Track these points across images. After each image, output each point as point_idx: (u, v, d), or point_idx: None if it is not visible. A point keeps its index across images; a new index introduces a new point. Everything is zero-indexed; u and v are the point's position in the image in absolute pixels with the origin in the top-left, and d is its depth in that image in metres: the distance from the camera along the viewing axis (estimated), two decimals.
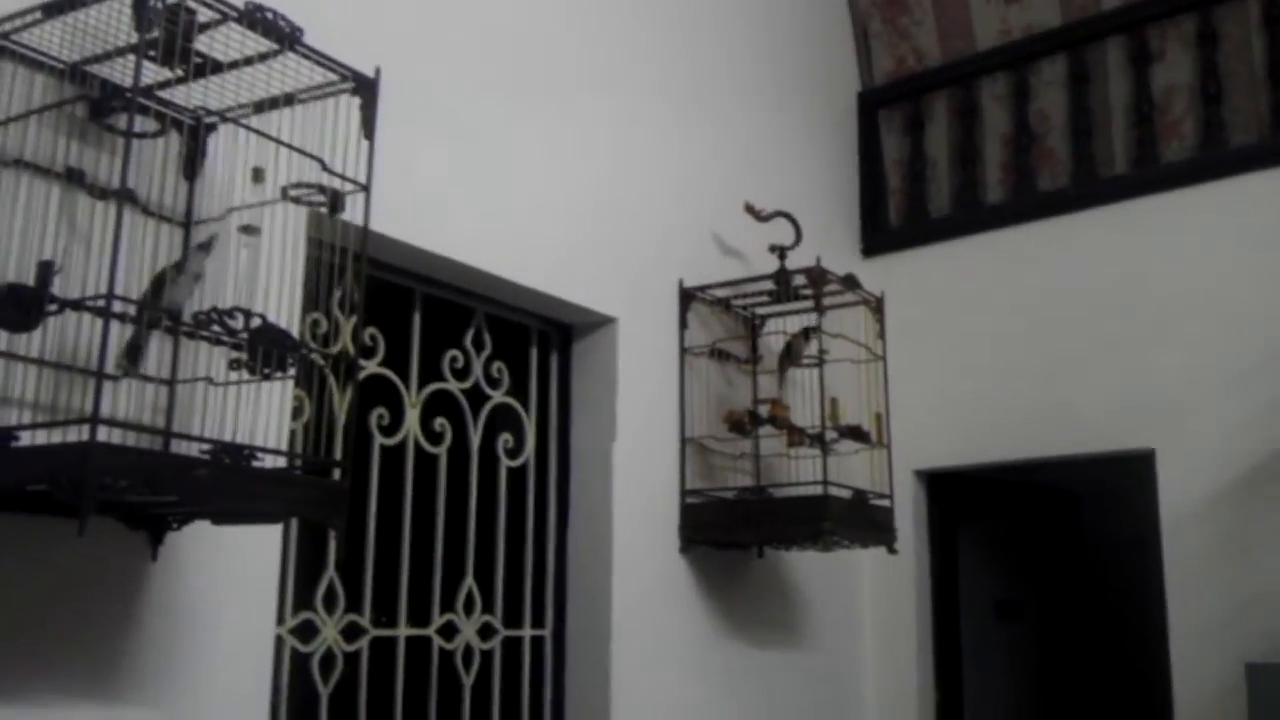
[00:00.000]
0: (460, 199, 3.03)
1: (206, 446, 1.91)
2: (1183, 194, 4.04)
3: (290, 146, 2.16)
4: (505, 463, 3.30)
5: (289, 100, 2.18)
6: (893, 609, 4.41)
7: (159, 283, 2.08)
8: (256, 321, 2.01)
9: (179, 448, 1.99)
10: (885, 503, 3.65)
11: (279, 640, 2.59)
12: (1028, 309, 4.28)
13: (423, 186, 2.92)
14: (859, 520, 3.55)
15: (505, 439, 3.31)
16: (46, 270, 1.85)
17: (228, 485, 1.88)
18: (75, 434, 1.80)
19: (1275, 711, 2.99)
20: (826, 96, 4.74)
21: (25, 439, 1.86)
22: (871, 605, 4.43)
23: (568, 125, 3.41)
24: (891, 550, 3.68)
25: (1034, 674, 5.03)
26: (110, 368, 1.95)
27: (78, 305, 1.85)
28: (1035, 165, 4.47)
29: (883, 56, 4.87)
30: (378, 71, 2.21)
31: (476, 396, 3.24)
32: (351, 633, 2.81)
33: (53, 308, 1.86)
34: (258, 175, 2.24)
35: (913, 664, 4.36)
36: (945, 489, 4.58)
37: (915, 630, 4.39)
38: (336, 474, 2.14)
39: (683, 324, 3.71)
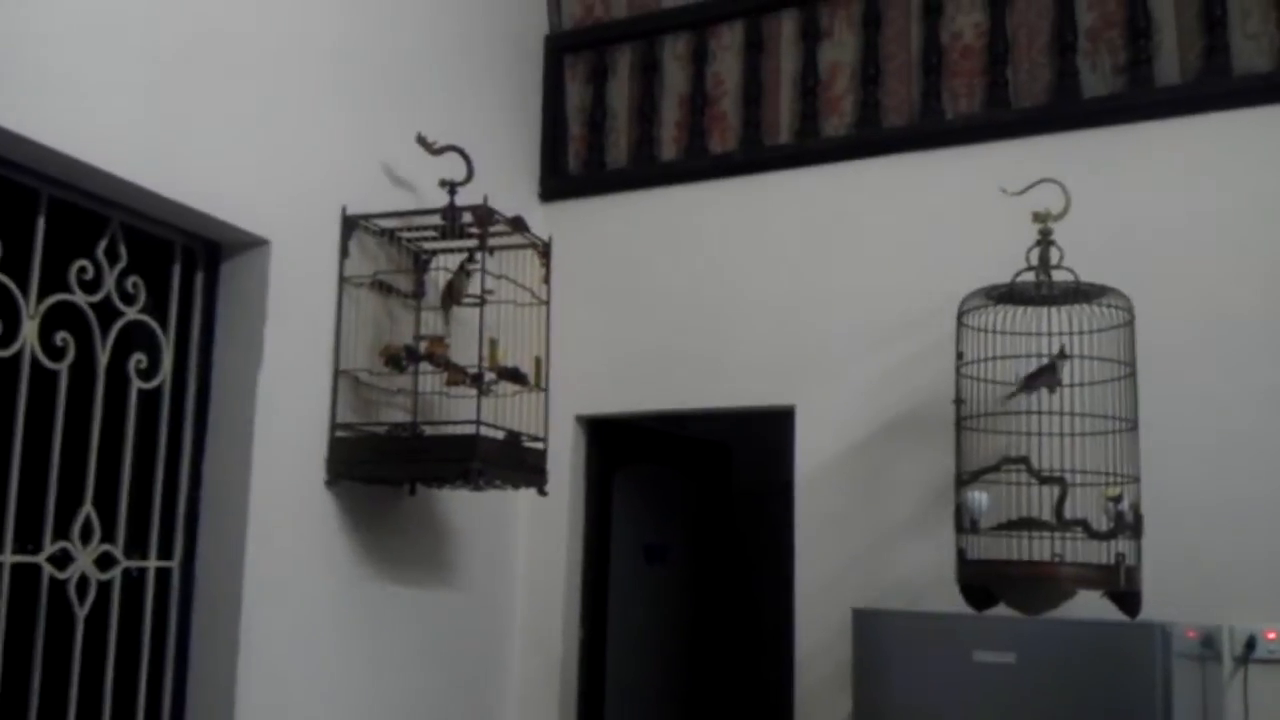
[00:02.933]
0: (99, 98, 2.80)
1: None
2: (838, 167, 4.28)
3: None
4: (137, 384, 3.11)
5: None
6: (546, 550, 4.49)
7: None
8: None
9: None
10: (539, 445, 3.69)
11: None
12: (692, 266, 4.43)
13: (56, 80, 2.68)
14: (511, 461, 3.57)
15: (138, 359, 3.11)
16: None
17: None
18: None
19: (873, 651, 3.24)
20: (514, 36, 4.70)
21: None
22: (526, 546, 4.49)
23: (230, 28, 3.21)
24: (542, 492, 3.72)
25: (676, 616, 5.26)
26: None
27: None
28: (708, 127, 4.61)
29: (572, 2, 4.88)
30: None
31: (107, 312, 3.02)
32: None
33: None
34: None
35: (561, 602, 4.45)
36: (605, 435, 4.69)
37: (566, 570, 4.48)
38: None
39: (344, 252, 3.59)
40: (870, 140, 4.25)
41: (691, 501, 5.46)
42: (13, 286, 2.77)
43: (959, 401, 3.39)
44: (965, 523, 3.26)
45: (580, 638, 4.51)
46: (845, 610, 3.46)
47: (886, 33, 4.37)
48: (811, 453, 4.10)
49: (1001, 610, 3.26)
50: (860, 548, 3.94)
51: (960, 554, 3.27)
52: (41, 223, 2.86)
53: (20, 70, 2.58)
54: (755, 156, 4.44)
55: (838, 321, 4.12)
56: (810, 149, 4.35)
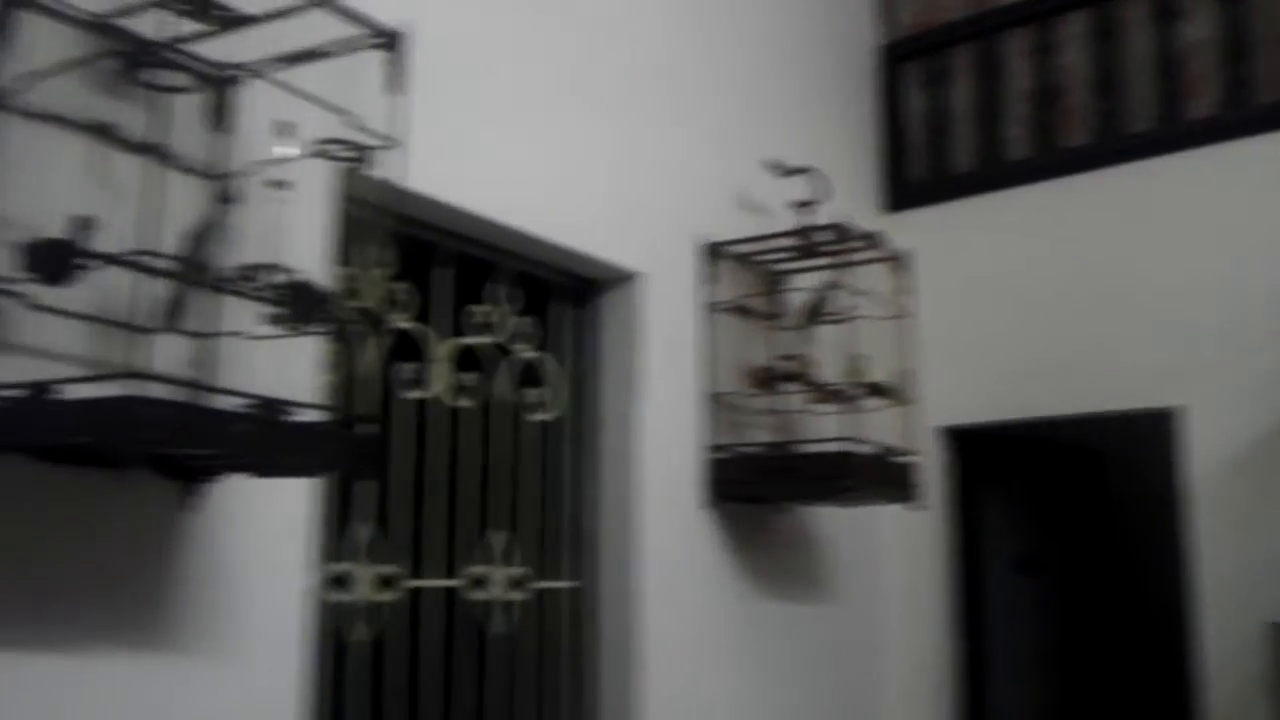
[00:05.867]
0: (484, 154, 3.03)
1: (245, 401, 1.93)
2: (1206, 151, 4.03)
3: (319, 101, 2.16)
4: (534, 417, 3.33)
5: (318, 55, 2.18)
6: (915, 563, 4.44)
7: (191, 238, 2.10)
8: (292, 277, 2.03)
9: (217, 401, 2.03)
10: (908, 459, 3.67)
11: (311, 591, 2.62)
12: (1052, 265, 4.27)
13: (448, 141, 2.92)
14: (881, 476, 3.57)
15: (532, 394, 3.33)
16: (82, 225, 1.87)
17: (265, 439, 1.90)
18: (117, 388, 1.82)
19: None
20: (848, 49, 4.72)
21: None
22: (895, 559, 4.46)
23: (592, 80, 3.40)
24: (915, 506, 3.69)
25: (1056, 628, 5.06)
26: (148, 323, 1.98)
27: (114, 260, 1.87)
28: (1058, 121, 4.44)
29: (904, 9, 4.84)
30: (406, 27, 2.20)
31: (503, 352, 3.26)
32: (386, 583, 2.84)
33: (90, 262, 1.87)
34: (286, 130, 2.26)
35: (935, 617, 4.40)
36: (968, 445, 4.59)
37: (938, 584, 4.42)
38: (362, 428, 2.15)
39: (706, 279, 3.71)
40: (1244, 120, 3.97)
41: (1064, 510, 5.24)
42: (424, 334, 3.02)
43: None
44: None
45: (956, 651, 4.43)
46: (1253, 623, 3.23)
47: (1251, 4, 4.07)
48: (1207, 455, 3.84)
49: None
50: (1264, 556, 3.65)
51: None
52: (444, 274, 3.11)
53: (420, 137, 2.81)
54: (1113, 147, 4.25)
55: (1225, 315, 3.86)
56: (1174, 134, 4.12)
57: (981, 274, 4.44)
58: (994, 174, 4.53)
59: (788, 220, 3.81)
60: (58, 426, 1.81)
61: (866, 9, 4.87)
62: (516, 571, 3.20)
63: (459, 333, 3.14)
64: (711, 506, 3.61)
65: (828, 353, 3.67)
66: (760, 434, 3.79)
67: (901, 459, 3.64)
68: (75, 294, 1.99)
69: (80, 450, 1.96)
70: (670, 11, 3.79)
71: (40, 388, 1.83)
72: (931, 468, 4.39)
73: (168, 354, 2.16)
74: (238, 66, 2.24)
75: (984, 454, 4.66)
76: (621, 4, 3.58)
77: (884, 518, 4.37)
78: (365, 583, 2.79)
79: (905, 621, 4.42)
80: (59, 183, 2.04)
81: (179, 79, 2.13)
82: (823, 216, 3.70)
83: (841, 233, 3.55)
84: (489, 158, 3.03)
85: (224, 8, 1.98)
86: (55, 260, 1.84)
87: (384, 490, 2.89)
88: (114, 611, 2.14)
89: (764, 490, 3.64)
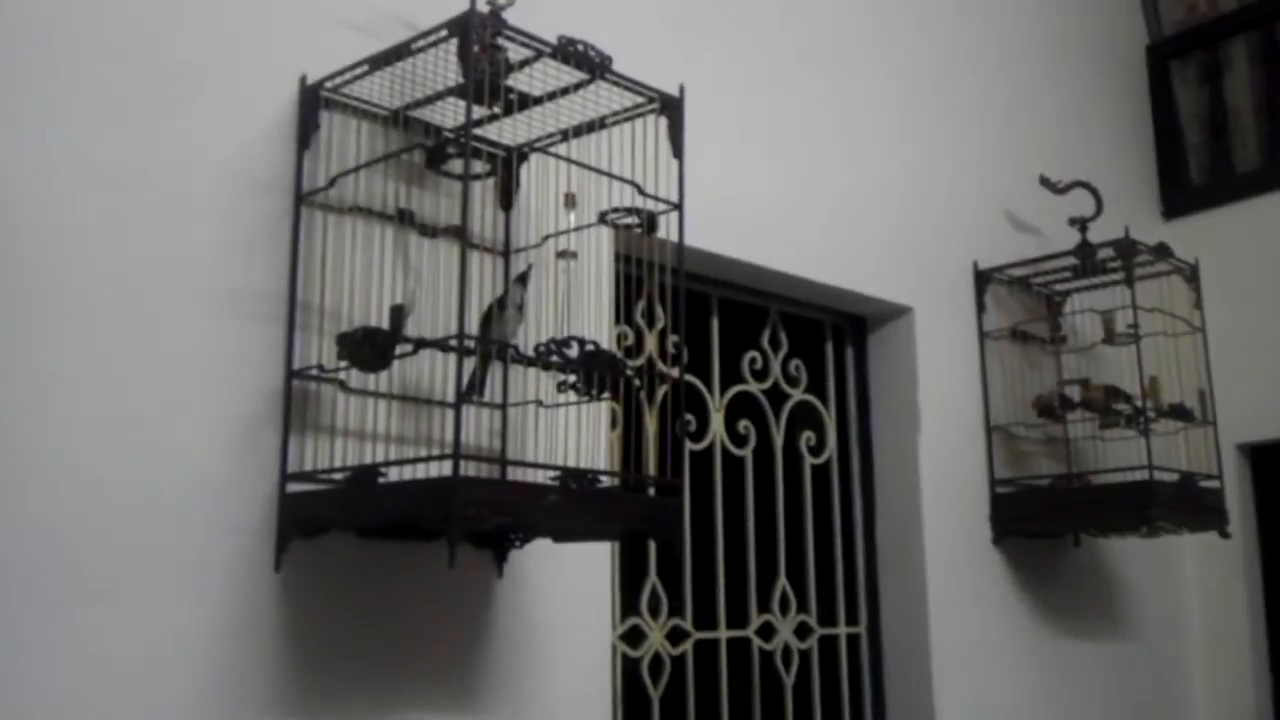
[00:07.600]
0: (748, 200, 3.01)
1: (551, 472, 1.97)
2: None
3: (603, 172, 2.19)
4: (809, 460, 3.29)
5: (597, 126, 2.22)
6: (1221, 594, 4.14)
7: (487, 317, 2.17)
8: (585, 347, 2.06)
9: (517, 471, 2.09)
10: (1214, 484, 3.43)
11: (611, 647, 2.66)
12: None
13: (712, 192, 2.90)
14: (1186, 504, 3.35)
15: (807, 437, 3.29)
16: (399, 313, 1.95)
17: (576, 509, 1.93)
18: (435, 465, 1.90)
19: None
20: (1112, 53, 4.50)
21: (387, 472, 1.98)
22: (1197, 591, 4.17)
23: (850, 117, 3.35)
24: (1224, 534, 3.45)
25: None
26: (453, 399, 2.05)
27: (432, 345, 1.95)
28: None
29: (1172, 5, 4.57)
30: (682, 90, 2.21)
31: (777, 396, 3.24)
32: (676, 636, 2.86)
33: (407, 348, 1.95)
34: (570, 201, 2.30)
35: (1246, 652, 4.08)
36: (1273, 462, 4.26)
37: (1247, 616, 4.10)
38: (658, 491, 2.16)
39: (980, 307, 3.59)
40: None
41: None
42: (699, 385, 3.04)
43: None
44: None
45: (1273, 689, 4.10)
46: None
47: None
48: None
49: None
50: None
51: None
52: (715, 323, 3.12)
53: (693, 192, 2.84)
54: None
55: None
56: None
57: (1274, 277, 4.12)
58: None
59: (1062, 238, 3.65)
60: (386, 508, 1.89)
61: (1126, 10, 4.62)
62: (801, 619, 3.16)
63: (732, 380, 3.14)
64: (996, 544, 3.48)
65: (1116, 375, 3.49)
66: (1046, 465, 3.62)
67: (1207, 484, 3.41)
68: (384, 378, 2.09)
69: (399, 525, 2.05)
70: (927, 34, 3.69)
71: (366, 471, 1.92)
72: (1233, 489, 4.10)
73: (471, 426, 2.25)
74: (530, 146, 2.30)
75: None
76: (879, 32, 3.51)
77: (1183, 547, 4.10)
78: (657, 637, 2.81)
79: (1212, 659, 4.12)
80: (365, 271, 2.15)
81: (476, 165, 2.20)
82: (1100, 231, 3.52)
83: (1124, 248, 3.36)
84: (751, 204, 3.02)
85: (513, 90, 2.04)
86: (373, 348, 1.93)
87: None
88: (435, 674, 2.23)
89: (1056, 525, 3.49)
